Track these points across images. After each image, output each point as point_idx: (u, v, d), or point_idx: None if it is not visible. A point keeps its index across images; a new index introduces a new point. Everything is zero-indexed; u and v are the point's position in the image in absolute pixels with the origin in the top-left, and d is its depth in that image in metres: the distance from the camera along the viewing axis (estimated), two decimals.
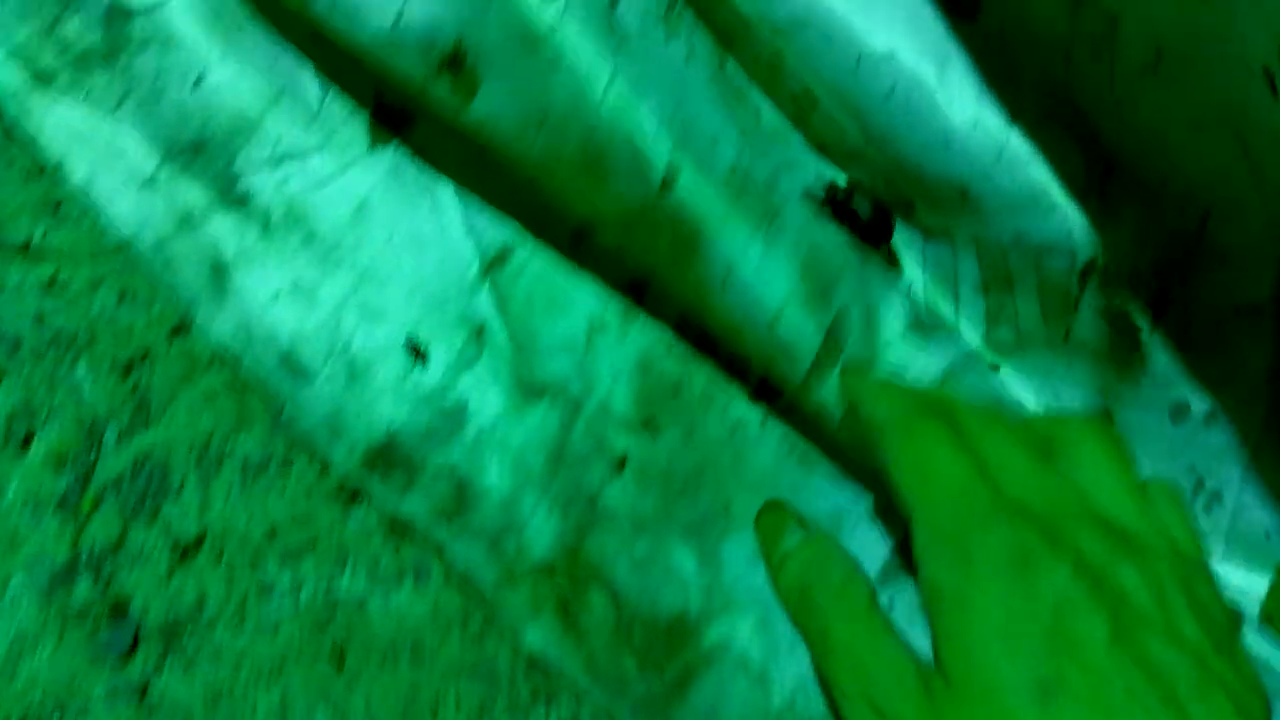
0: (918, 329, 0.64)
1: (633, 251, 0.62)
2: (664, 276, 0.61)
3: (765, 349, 0.60)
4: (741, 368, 0.65)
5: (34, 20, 0.63)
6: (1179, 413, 0.60)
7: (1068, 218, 0.58)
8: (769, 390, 0.65)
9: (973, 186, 0.58)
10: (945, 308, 0.64)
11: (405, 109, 0.64)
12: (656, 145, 0.57)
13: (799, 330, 0.59)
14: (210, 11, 0.63)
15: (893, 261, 0.65)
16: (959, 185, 0.59)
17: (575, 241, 0.65)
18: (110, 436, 0.60)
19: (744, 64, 0.64)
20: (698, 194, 0.58)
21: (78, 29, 0.63)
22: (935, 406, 0.48)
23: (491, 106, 0.56)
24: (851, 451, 0.62)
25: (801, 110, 0.64)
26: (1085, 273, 0.59)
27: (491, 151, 0.59)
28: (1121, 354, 0.60)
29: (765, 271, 0.59)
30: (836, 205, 0.64)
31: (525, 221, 0.65)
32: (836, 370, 0.60)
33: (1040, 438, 0.51)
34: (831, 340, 0.60)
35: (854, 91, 0.58)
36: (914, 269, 0.65)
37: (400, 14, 0.55)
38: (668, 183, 0.57)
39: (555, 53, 0.56)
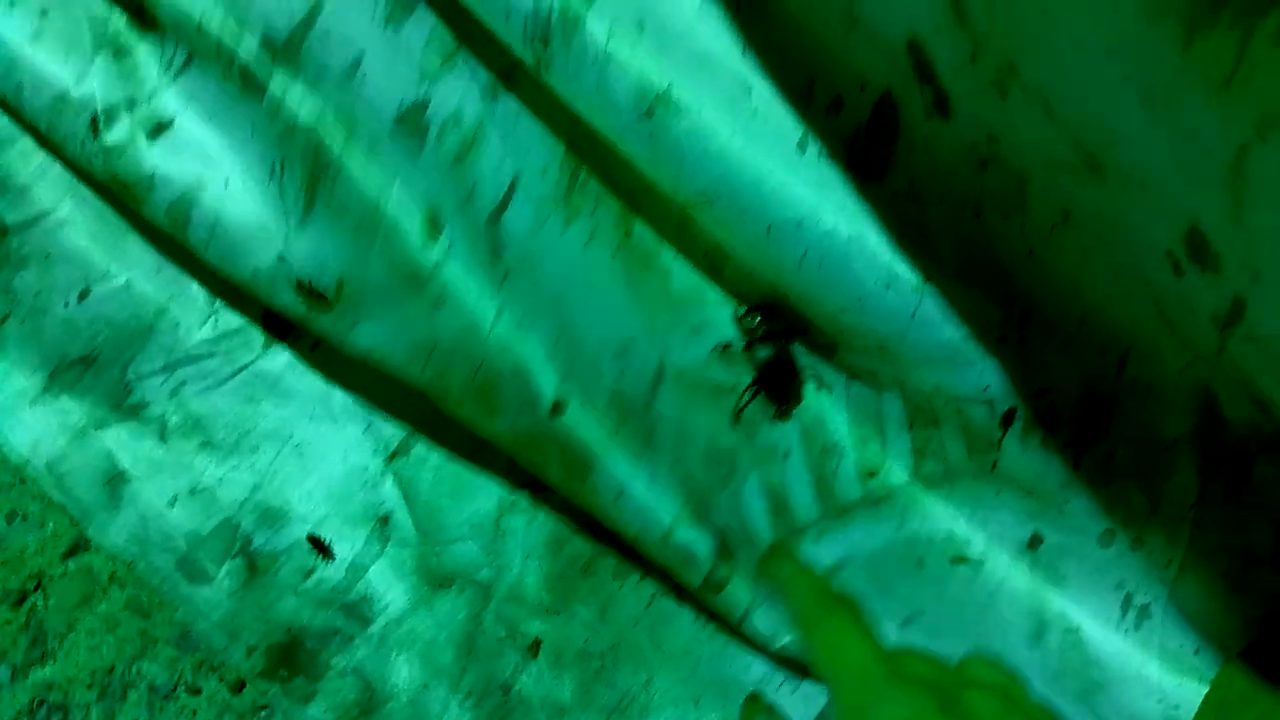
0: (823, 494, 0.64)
1: (527, 466, 0.62)
2: (558, 489, 0.62)
3: (663, 559, 0.61)
4: (644, 563, 0.65)
5: None
6: (1107, 537, 0.60)
7: (984, 372, 0.58)
8: (672, 582, 0.65)
9: (890, 344, 0.58)
10: (872, 446, 0.64)
11: (292, 325, 0.64)
12: (544, 376, 0.58)
13: (693, 543, 0.60)
14: (93, 223, 0.64)
15: (791, 404, 0.65)
16: (877, 341, 0.59)
17: (473, 442, 0.64)
18: (3, 675, 0.58)
19: (653, 223, 0.65)
20: (585, 422, 0.59)
21: None
22: (837, 598, 0.50)
23: (376, 339, 0.58)
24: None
25: (715, 264, 0.64)
26: (1006, 420, 0.59)
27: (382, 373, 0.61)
28: (1048, 487, 0.60)
29: (655, 492, 0.59)
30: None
31: (422, 423, 0.65)
32: (734, 571, 0.61)
33: None
34: (724, 549, 0.61)
35: (767, 257, 0.58)
36: (838, 410, 0.65)
37: (281, 253, 0.57)
38: (557, 410, 0.58)
39: (440, 291, 0.57)
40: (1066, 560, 0.61)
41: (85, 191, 0.64)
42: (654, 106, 0.56)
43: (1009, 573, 0.62)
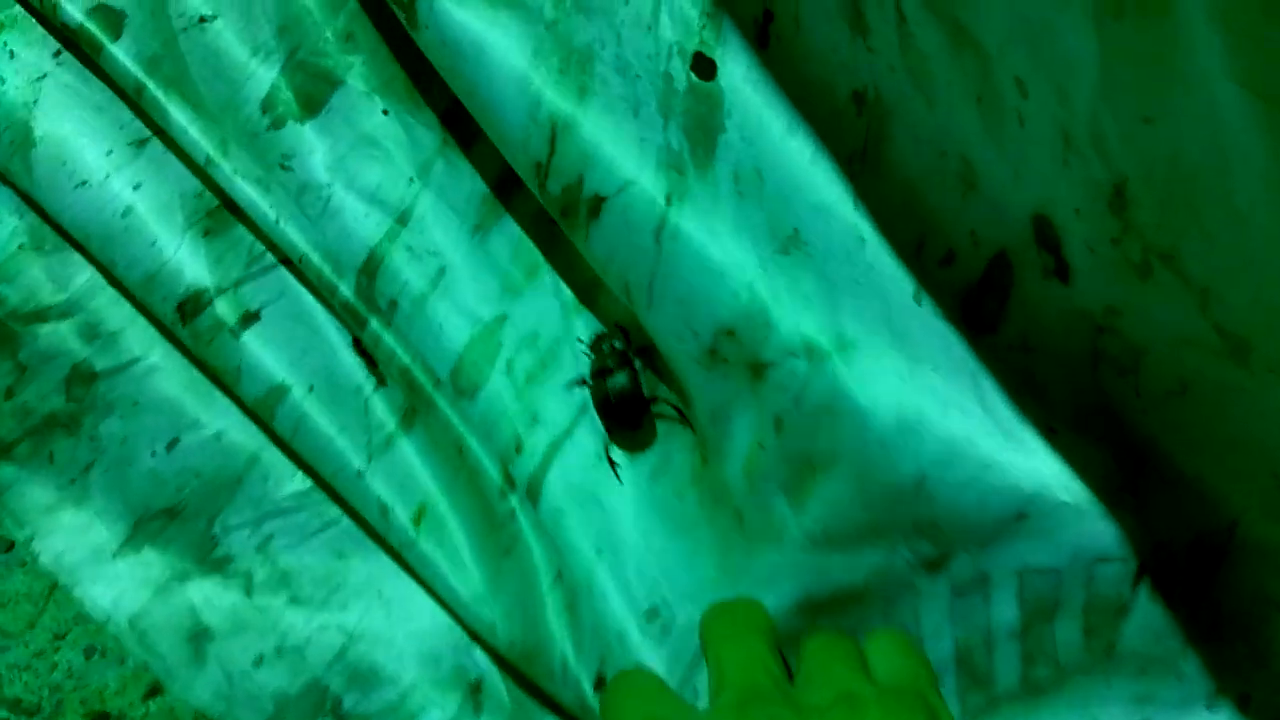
0: None
1: None
2: None
3: None
4: None
5: None
6: (1215, 701, 0.55)
7: (1120, 523, 0.54)
8: None
9: (1030, 507, 0.54)
10: (979, 657, 0.59)
11: None
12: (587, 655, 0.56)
13: None
14: (184, 371, 0.61)
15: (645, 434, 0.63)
16: (1016, 509, 0.55)
17: None
18: None
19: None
20: None
21: (38, 394, 0.60)
22: (749, 623, 0.54)
23: (455, 571, 0.58)
24: None
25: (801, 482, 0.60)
26: (1138, 576, 0.55)
27: None
28: (1168, 650, 0.56)
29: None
30: None
31: None
32: None
33: None
34: None
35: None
36: (941, 635, 0.60)
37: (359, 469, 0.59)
38: (601, 685, 0.56)
39: (510, 539, 0.57)
40: None
41: None
42: (787, 244, 0.56)
43: None
